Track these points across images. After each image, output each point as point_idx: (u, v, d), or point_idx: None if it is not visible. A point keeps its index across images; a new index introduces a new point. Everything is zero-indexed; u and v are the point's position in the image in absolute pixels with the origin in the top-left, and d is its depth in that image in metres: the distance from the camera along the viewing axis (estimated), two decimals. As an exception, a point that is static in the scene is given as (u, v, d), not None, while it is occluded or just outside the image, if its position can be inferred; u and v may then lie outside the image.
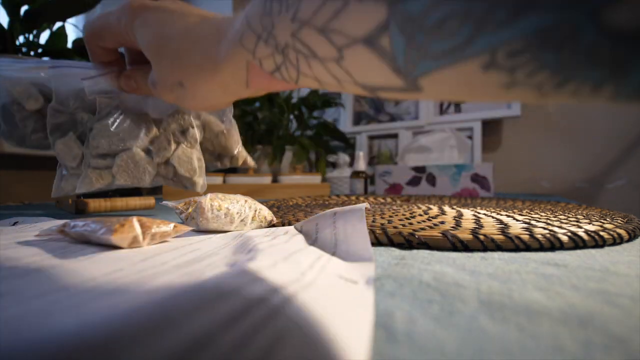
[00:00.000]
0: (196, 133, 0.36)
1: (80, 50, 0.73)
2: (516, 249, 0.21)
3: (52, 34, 0.72)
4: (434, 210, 0.38)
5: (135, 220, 0.20)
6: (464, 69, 0.10)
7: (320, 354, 0.08)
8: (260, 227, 0.28)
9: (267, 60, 0.17)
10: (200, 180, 0.36)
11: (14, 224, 0.29)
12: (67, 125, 0.31)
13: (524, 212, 0.36)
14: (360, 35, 0.12)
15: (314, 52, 0.14)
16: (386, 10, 0.10)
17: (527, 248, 0.21)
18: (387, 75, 0.12)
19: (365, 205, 0.21)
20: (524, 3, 0.08)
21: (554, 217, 0.31)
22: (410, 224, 0.27)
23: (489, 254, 0.20)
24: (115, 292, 0.12)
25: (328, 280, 0.13)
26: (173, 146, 0.34)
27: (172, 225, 0.22)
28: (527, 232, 0.22)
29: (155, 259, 0.17)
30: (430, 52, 0.10)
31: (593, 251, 0.21)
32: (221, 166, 0.42)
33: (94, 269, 0.16)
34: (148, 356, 0.06)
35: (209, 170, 0.41)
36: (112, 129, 0.31)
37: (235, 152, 0.41)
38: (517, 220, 0.28)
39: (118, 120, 0.31)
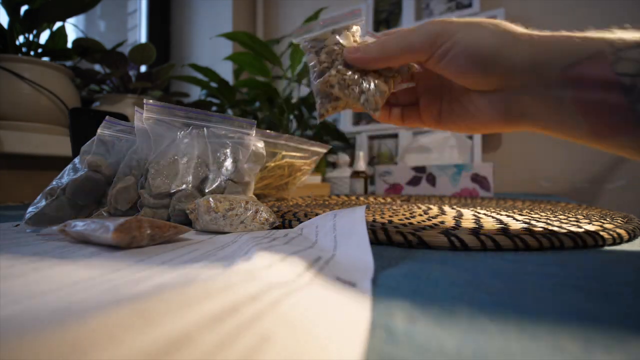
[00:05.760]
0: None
1: (80, 50, 0.73)
2: (516, 249, 0.21)
3: (52, 34, 0.72)
4: (434, 210, 0.38)
5: (135, 221, 0.20)
6: None
7: (309, 355, 0.08)
8: (262, 228, 0.28)
9: None
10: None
11: (16, 225, 0.29)
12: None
13: (524, 212, 0.36)
14: None
15: None
16: None
17: (527, 248, 0.21)
18: None
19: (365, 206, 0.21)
20: None
21: (554, 217, 0.31)
22: (411, 223, 0.27)
23: (488, 254, 0.20)
24: (108, 292, 0.12)
25: (325, 282, 0.13)
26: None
27: (172, 226, 0.22)
28: (527, 232, 0.22)
29: (152, 259, 0.17)
30: None
31: (593, 251, 0.21)
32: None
33: (91, 269, 0.16)
34: (122, 354, 0.06)
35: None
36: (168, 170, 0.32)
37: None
38: (517, 220, 0.28)
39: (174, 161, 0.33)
